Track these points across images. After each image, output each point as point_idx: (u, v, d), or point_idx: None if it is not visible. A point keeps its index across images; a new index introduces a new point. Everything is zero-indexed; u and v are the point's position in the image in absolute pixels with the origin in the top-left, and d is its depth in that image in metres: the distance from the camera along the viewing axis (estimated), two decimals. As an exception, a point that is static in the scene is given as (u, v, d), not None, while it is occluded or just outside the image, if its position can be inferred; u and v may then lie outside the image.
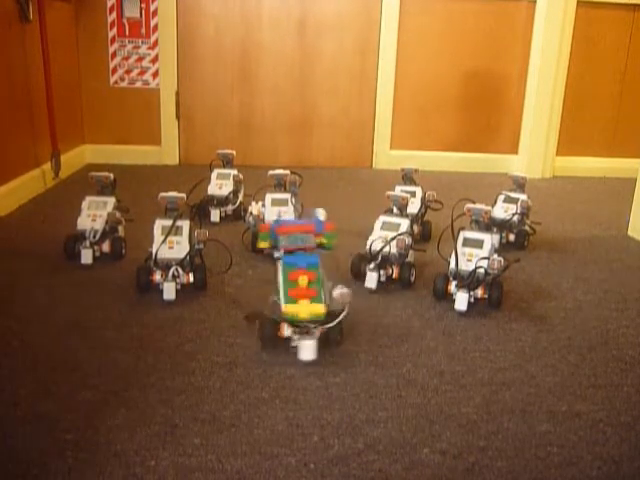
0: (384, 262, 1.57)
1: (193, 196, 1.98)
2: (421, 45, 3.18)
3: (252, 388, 1.10)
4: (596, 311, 1.52)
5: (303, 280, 1.19)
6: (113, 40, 3.00)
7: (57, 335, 1.28)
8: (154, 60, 3.04)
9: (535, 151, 3.25)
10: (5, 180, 2.18)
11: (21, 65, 2.32)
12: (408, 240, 1.59)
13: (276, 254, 1.25)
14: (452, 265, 1.49)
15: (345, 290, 1.19)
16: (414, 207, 1.93)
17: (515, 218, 1.95)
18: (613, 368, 1.24)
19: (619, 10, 3.20)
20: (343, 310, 1.20)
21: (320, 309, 1.18)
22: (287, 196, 1.88)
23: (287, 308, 1.18)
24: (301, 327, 1.19)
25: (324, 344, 1.22)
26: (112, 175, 1.78)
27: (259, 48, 3.12)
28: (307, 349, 1.18)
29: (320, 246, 1.27)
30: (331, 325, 1.20)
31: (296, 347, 1.20)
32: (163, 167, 3.11)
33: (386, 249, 1.56)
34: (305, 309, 1.17)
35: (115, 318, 1.37)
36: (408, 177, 2.06)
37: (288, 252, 1.24)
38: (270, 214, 1.83)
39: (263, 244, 1.29)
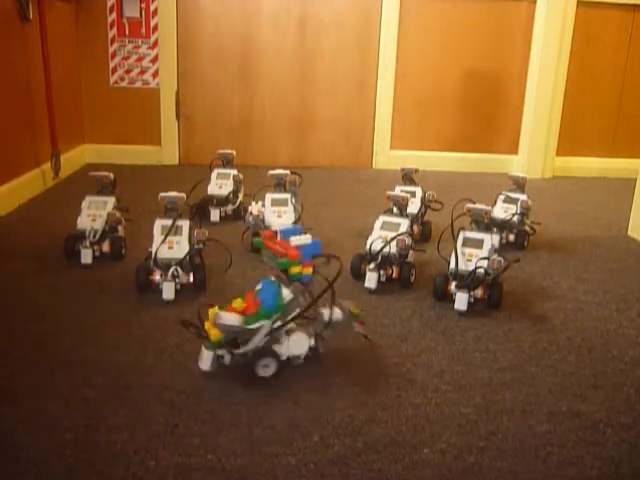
0: (384, 262, 1.57)
1: (193, 196, 1.98)
2: (421, 45, 3.18)
3: (252, 388, 1.10)
4: (596, 311, 1.52)
5: (239, 305, 1.11)
6: (113, 40, 3.00)
7: (57, 335, 1.28)
8: (154, 60, 3.04)
9: (535, 151, 3.26)
10: (5, 180, 2.18)
11: (21, 65, 2.32)
12: (408, 240, 1.59)
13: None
14: (452, 265, 1.49)
15: (220, 313, 1.10)
16: (414, 207, 1.93)
17: (515, 218, 1.95)
18: (613, 368, 1.24)
19: (619, 10, 3.20)
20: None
21: (214, 337, 1.09)
22: (287, 196, 1.88)
23: (211, 312, 1.12)
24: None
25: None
26: (112, 175, 1.78)
27: (259, 48, 3.12)
28: (202, 357, 1.13)
29: (286, 273, 1.12)
30: (239, 351, 1.11)
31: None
32: (163, 167, 3.11)
33: (386, 249, 1.56)
34: (212, 325, 1.10)
35: (115, 318, 1.37)
36: (408, 177, 2.06)
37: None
38: (270, 214, 1.82)
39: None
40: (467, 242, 1.51)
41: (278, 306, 1.11)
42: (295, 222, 1.83)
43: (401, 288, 1.59)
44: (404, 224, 1.62)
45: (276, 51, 3.13)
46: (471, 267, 1.46)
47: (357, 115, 3.25)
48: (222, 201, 2.14)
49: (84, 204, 1.71)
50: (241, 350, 1.10)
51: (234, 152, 2.26)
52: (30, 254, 1.74)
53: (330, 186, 2.83)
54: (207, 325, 1.11)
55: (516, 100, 3.28)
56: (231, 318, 1.09)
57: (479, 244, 1.49)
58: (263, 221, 1.80)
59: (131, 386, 1.09)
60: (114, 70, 3.04)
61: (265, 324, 1.10)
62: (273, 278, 1.14)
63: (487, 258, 1.46)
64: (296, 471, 0.89)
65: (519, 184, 2.04)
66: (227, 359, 1.12)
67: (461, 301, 1.44)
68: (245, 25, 3.08)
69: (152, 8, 2.97)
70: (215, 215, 2.13)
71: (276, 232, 1.17)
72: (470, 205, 1.56)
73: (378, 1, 3.10)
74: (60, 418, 0.99)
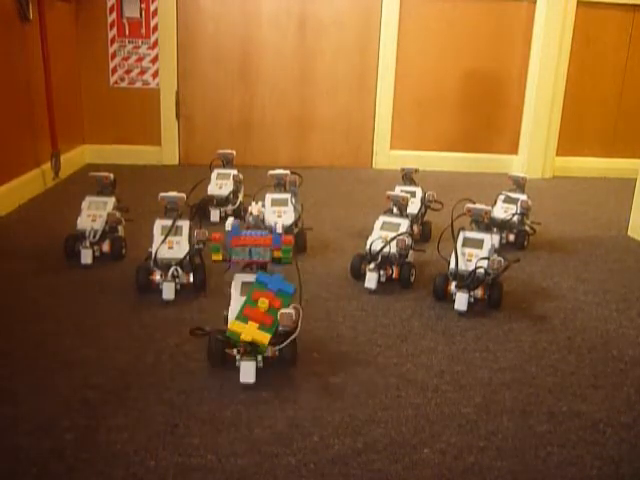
0: (384, 262, 1.57)
1: (193, 196, 1.98)
2: (421, 45, 3.18)
3: (252, 388, 1.10)
4: (596, 311, 1.52)
5: (263, 303, 1.10)
6: (113, 40, 3.00)
7: (57, 335, 1.28)
8: (154, 60, 3.04)
9: (535, 151, 3.26)
10: (5, 180, 2.18)
11: (21, 65, 2.32)
12: (408, 240, 1.59)
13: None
14: (452, 265, 1.49)
15: (286, 311, 1.10)
16: (414, 207, 1.93)
17: (515, 218, 1.95)
18: (613, 368, 1.24)
19: (619, 10, 3.20)
20: (294, 331, 1.12)
21: (264, 339, 1.08)
22: (287, 196, 1.88)
23: (233, 325, 1.09)
24: (245, 347, 1.10)
25: (278, 364, 1.16)
26: (112, 175, 1.78)
27: (259, 48, 3.12)
28: (246, 371, 1.10)
29: (275, 260, 1.19)
30: (282, 346, 1.12)
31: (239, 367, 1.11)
32: (163, 167, 3.11)
33: (386, 249, 1.56)
34: (249, 332, 1.08)
35: (115, 318, 1.37)
36: (408, 177, 2.06)
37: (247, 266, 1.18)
38: (270, 214, 1.82)
39: (216, 256, 1.22)
40: (467, 242, 1.51)
41: (292, 288, 1.14)
42: (295, 222, 1.83)
43: (401, 288, 1.59)
44: (404, 224, 1.62)
45: (276, 51, 3.13)
46: (471, 267, 1.46)
47: (357, 115, 3.25)
48: (222, 201, 2.14)
49: (84, 204, 1.71)
50: (291, 338, 1.11)
51: (234, 152, 2.26)
52: (30, 254, 1.74)
53: (330, 186, 2.83)
54: (247, 336, 1.08)
55: (516, 100, 3.28)
56: (289, 313, 1.10)
57: (479, 244, 1.49)
58: (263, 221, 1.79)
59: (131, 386, 1.09)
60: (114, 70, 3.04)
61: (298, 307, 1.12)
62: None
63: (487, 258, 1.46)
64: (296, 471, 0.89)
65: (519, 184, 2.04)
66: (260, 362, 1.13)
67: (461, 301, 1.44)
68: (245, 25, 3.08)
69: (152, 8, 2.97)
70: (215, 215, 2.13)
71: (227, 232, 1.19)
72: (470, 205, 1.56)
73: (378, 1, 3.10)
74: (60, 418, 0.99)
